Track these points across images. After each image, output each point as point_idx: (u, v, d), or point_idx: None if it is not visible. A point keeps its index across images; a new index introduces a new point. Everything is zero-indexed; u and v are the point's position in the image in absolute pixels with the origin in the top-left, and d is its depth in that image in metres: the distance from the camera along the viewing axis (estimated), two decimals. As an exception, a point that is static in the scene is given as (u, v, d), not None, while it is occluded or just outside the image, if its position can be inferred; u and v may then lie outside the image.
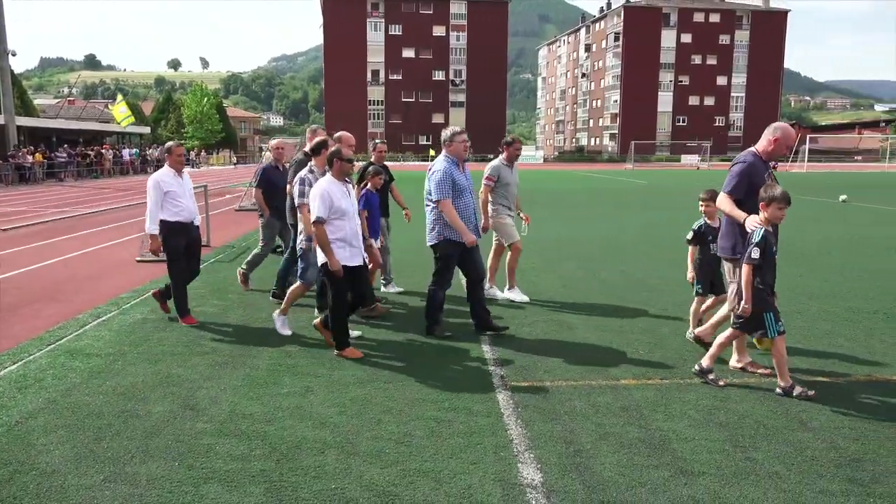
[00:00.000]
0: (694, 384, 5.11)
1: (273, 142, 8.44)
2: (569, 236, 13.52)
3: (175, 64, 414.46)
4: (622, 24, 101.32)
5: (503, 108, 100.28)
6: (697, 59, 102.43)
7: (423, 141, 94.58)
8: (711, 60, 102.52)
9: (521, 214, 8.05)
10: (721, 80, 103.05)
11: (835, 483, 3.62)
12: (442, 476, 3.67)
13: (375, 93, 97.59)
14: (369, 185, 7.53)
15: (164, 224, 6.65)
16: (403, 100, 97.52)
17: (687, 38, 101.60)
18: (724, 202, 5.35)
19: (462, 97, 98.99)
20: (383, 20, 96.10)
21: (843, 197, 23.46)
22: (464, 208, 6.28)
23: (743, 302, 4.90)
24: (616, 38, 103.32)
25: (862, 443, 4.12)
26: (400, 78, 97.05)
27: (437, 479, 3.63)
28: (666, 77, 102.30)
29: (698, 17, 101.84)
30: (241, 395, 4.85)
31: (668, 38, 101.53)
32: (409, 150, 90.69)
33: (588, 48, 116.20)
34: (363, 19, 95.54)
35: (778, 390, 4.91)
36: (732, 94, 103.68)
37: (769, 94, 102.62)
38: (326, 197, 5.56)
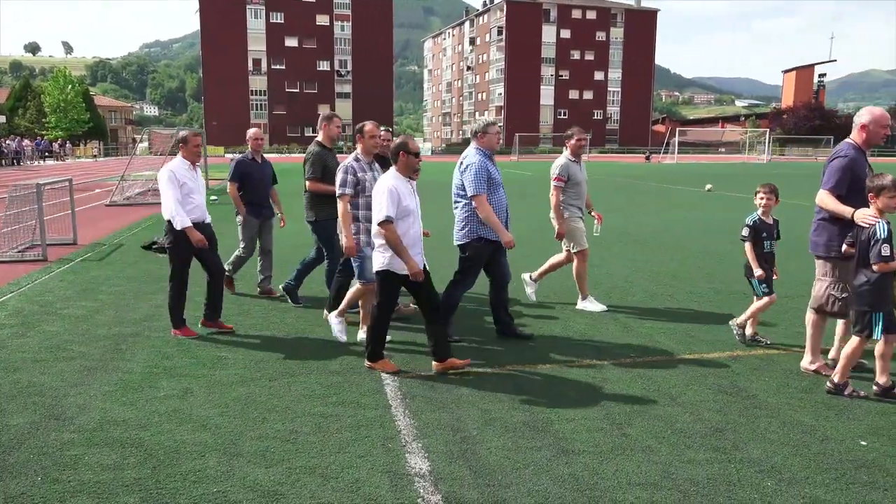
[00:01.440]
0: (575, 368, 5.32)
1: (251, 131, 7.65)
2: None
3: (34, 48, 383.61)
4: (504, 18, 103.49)
5: (390, 99, 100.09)
6: (576, 55, 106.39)
7: (308, 133, 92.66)
8: (589, 56, 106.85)
9: (593, 213, 7.44)
10: (598, 75, 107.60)
11: (700, 452, 3.88)
12: (329, 471, 3.62)
13: (258, 82, 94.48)
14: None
15: (173, 223, 5.88)
16: (287, 90, 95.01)
17: (566, 33, 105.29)
18: (827, 200, 4.94)
19: (348, 88, 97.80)
20: (264, 7, 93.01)
21: (708, 186, 25.16)
22: (497, 204, 5.79)
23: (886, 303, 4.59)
24: (499, 33, 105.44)
25: (724, 414, 4.44)
26: (283, 68, 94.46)
27: (324, 476, 3.58)
28: (547, 71, 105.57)
29: (576, 14, 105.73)
30: (112, 402, 4.56)
31: (548, 34, 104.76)
32: (294, 142, 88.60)
33: (473, 41, 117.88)
34: (242, 5, 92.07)
35: (829, 385, 4.79)
36: (609, 89, 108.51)
37: (642, 89, 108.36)
38: (395, 193, 4.95)
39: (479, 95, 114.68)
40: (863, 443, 4.02)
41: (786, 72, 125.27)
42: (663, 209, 18.07)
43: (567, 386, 4.92)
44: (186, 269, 6.06)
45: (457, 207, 5.94)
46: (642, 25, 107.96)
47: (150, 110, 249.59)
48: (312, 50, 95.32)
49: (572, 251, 7.11)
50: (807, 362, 5.27)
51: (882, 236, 4.49)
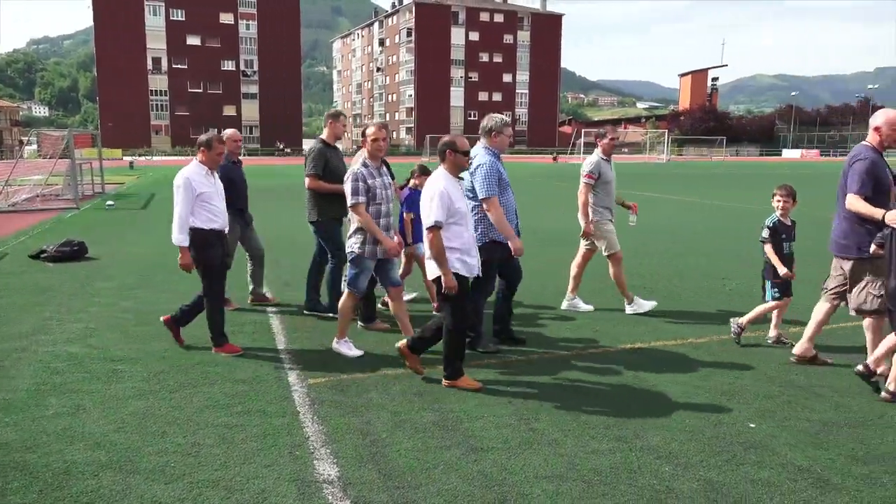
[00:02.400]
0: (484, 365, 5.38)
1: (229, 132, 7.07)
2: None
3: None
4: (414, 20, 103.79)
5: (298, 100, 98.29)
6: (485, 57, 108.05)
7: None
8: (497, 58, 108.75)
9: (627, 203, 7.28)
10: (507, 77, 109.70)
11: (604, 443, 4.00)
12: (233, 483, 3.50)
13: (158, 82, 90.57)
14: (413, 183, 6.84)
15: (197, 233, 5.49)
16: (190, 90, 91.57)
17: (475, 36, 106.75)
18: (857, 204, 4.93)
19: (255, 89, 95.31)
20: (163, 4, 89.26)
21: None
22: (506, 206, 5.57)
23: None
24: (408, 34, 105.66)
25: (627, 404, 4.60)
26: (185, 67, 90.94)
27: (228, 488, 3.46)
28: (457, 73, 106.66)
29: (484, 17, 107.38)
30: (-6, 423, 4.25)
31: (457, 36, 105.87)
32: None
33: (382, 43, 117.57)
34: (139, 1, 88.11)
35: (885, 395, 4.74)
36: (517, 91, 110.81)
37: (549, 91, 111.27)
38: (445, 197, 4.68)
39: (390, 97, 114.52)
40: (752, 425, 4.26)
41: (682, 75, 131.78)
42: (573, 208, 18.58)
43: (476, 384, 4.96)
44: (222, 281, 5.74)
45: None
46: (548, 29, 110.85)
47: (40, 111, 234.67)
48: (216, 49, 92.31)
49: (604, 254, 6.99)
50: (873, 365, 4.98)
51: None
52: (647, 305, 7.07)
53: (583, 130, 65.10)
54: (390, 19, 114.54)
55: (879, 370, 4.86)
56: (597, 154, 7.02)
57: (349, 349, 5.62)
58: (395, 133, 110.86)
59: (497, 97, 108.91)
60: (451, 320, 4.81)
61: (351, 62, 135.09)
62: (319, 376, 5.12)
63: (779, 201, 5.80)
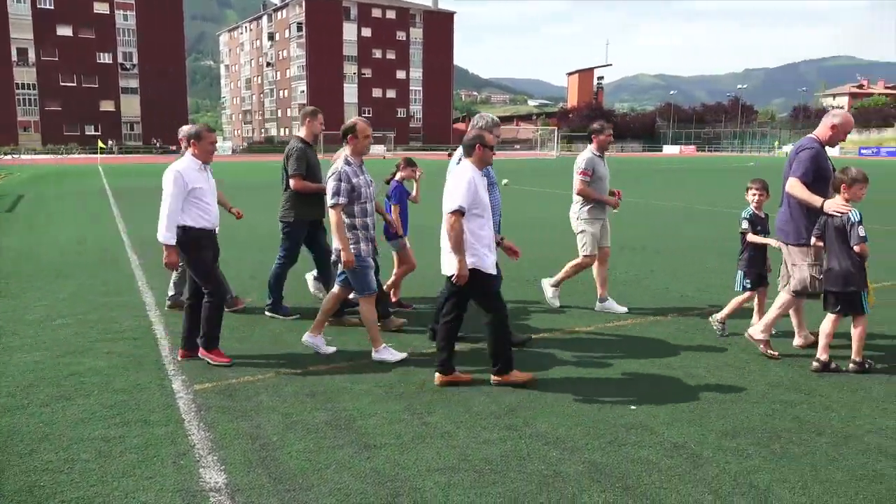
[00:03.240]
0: (377, 362, 5.36)
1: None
2: (267, 226, 13.24)
3: None
4: (304, 14, 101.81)
5: (184, 95, 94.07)
6: (378, 53, 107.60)
7: (89, 131, 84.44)
8: (391, 55, 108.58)
9: (612, 190, 7.02)
10: (400, 74, 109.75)
11: (495, 432, 4.09)
12: (111, 499, 3.31)
13: (24, 75, 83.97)
14: (399, 176, 6.83)
15: (187, 232, 5.17)
16: (62, 84, 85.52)
17: (367, 32, 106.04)
18: (797, 188, 5.30)
19: (135, 83, 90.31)
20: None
21: (505, 181, 26.64)
22: (492, 203, 5.43)
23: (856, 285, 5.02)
24: (299, 29, 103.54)
25: (516, 394, 4.72)
26: (56, 59, 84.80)
27: (105, 504, 3.27)
28: (350, 69, 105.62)
29: (376, 13, 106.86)
30: None
31: (349, 31, 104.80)
32: (73, 141, 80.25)
33: (272, 37, 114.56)
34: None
35: (816, 364, 5.17)
36: (411, 88, 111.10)
37: (443, 89, 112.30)
38: (473, 185, 4.72)
39: (281, 93, 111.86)
40: (632, 407, 4.48)
41: (570, 74, 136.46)
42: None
43: (370, 382, 4.94)
44: (219, 280, 5.48)
45: None
46: (440, 26, 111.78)
47: None
48: (90, 40, 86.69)
49: (580, 253, 6.93)
50: (798, 342, 5.78)
51: (856, 220, 4.96)
52: (621, 309, 6.97)
53: (476, 127, 66.14)
54: (280, 13, 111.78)
55: (824, 357, 5.22)
56: (590, 150, 6.92)
57: (391, 355, 5.40)
58: (287, 130, 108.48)
59: (391, 94, 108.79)
60: (492, 315, 4.81)
61: (239, 56, 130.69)
62: (206, 381, 4.93)
63: (754, 195, 6.03)
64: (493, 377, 4.85)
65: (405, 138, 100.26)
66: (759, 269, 6.01)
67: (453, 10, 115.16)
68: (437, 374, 4.87)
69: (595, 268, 7.02)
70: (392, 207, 6.83)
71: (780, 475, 3.57)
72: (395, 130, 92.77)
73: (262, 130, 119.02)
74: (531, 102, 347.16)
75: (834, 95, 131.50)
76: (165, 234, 5.12)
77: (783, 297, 5.58)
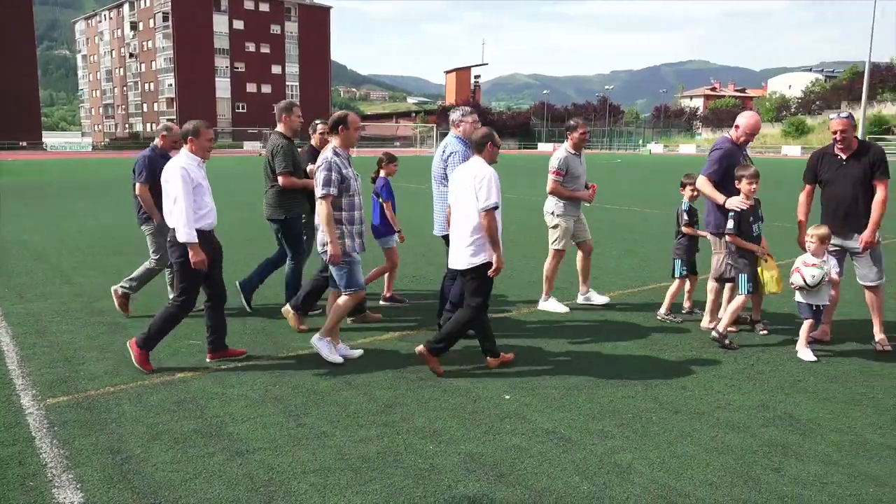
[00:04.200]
0: (251, 365, 5.20)
1: (177, 129, 6.28)
2: (120, 225, 12.46)
3: None
4: (170, 3, 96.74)
5: (34, 87, 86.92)
6: (252, 47, 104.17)
7: (-75, 125, 76.14)
8: (265, 49, 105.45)
9: (588, 183, 6.98)
10: (276, 69, 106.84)
11: (372, 430, 4.07)
12: (-53, 530, 3.01)
13: None
14: (384, 172, 6.90)
15: (177, 234, 4.98)
16: None
17: (239, 24, 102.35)
18: (704, 185, 6.01)
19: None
20: None
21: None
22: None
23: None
24: (165, 18, 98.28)
25: (394, 390, 4.73)
26: None
27: (-61, 536, 2.96)
28: (222, 63, 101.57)
29: (249, 5, 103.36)
30: None
31: (220, 23, 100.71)
32: None
33: (134, 26, 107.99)
34: None
35: (714, 334, 5.79)
36: (287, 83, 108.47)
37: (320, 84, 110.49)
38: (497, 181, 4.96)
39: (147, 86, 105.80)
40: (507, 397, 4.61)
41: (447, 72, 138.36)
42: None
43: (244, 386, 4.78)
44: (196, 292, 5.19)
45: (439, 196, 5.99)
46: (316, 21, 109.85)
47: None
48: (-78, 24, 78.13)
49: (550, 246, 6.93)
50: (706, 322, 6.30)
51: (731, 215, 5.71)
52: (562, 309, 6.92)
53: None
54: (143, 1, 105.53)
55: (720, 326, 5.86)
56: (564, 148, 6.92)
57: (330, 352, 5.29)
58: (154, 125, 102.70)
59: (266, 89, 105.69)
60: (480, 300, 5.08)
61: (98, 46, 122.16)
62: (60, 395, 4.58)
63: (689, 189, 6.47)
64: (425, 352, 5.10)
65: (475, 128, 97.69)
66: (693, 258, 6.55)
67: (329, 5, 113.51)
68: (488, 360, 5.23)
69: (579, 261, 7.14)
70: (384, 204, 6.86)
71: (641, 453, 3.80)
72: (272, 127, 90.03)
73: (127, 125, 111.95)
74: (410, 100, 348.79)
75: (691, 97, 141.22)
76: (189, 233, 4.93)
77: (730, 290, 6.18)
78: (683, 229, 6.50)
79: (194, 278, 5.08)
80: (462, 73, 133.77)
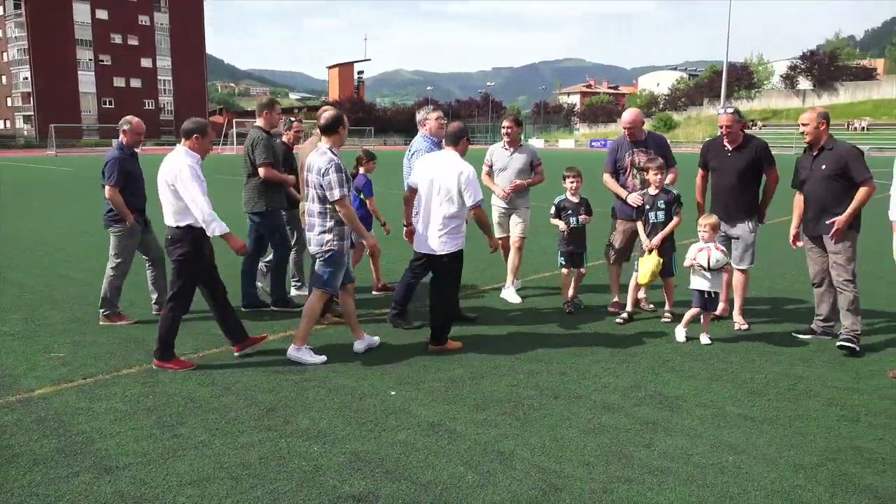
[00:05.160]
0: (122, 376, 4.90)
1: (134, 121, 6.23)
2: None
3: None
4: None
5: None
6: (118, 39, 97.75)
7: None
8: (133, 41, 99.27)
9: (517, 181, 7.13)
10: (146, 62, 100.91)
11: (253, 435, 3.94)
12: None
13: None
14: (363, 169, 6.97)
15: (188, 231, 5.00)
16: None
17: (103, 14, 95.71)
18: (609, 182, 6.57)
19: None
20: None
21: None
22: None
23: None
24: (17, 6, 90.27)
25: (276, 393, 4.60)
26: None
27: None
28: (85, 55, 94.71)
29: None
30: None
31: (81, 13, 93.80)
32: None
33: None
34: None
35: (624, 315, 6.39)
36: (160, 77, 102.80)
37: (195, 79, 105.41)
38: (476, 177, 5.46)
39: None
40: (392, 393, 4.60)
41: (330, 68, 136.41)
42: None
43: (113, 398, 4.48)
44: (193, 289, 5.16)
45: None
46: (189, 12, 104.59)
47: None
48: None
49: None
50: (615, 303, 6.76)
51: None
52: (515, 299, 7.15)
53: (234, 120, 63.32)
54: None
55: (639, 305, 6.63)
56: (499, 143, 7.28)
57: (310, 356, 5.21)
58: (8, 122, 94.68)
59: (136, 83, 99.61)
60: (455, 289, 5.70)
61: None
62: None
63: (571, 182, 6.61)
64: (431, 346, 5.52)
65: (156, 132, 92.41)
66: (572, 248, 6.62)
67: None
68: (430, 346, 5.53)
69: (510, 257, 7.23)
70: (368, 201, 6.84)
71: (523, 439, 3.90)
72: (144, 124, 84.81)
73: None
74: (293, 96, 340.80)
75: (568, 94, 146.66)
76: (218, 225, 4.94)
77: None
78: (552, 221, 6.71)
79: (192, 278, 5.10)
80: (345, 68, 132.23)
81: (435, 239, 5.42)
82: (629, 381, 4.85)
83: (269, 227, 6.51)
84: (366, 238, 5.49)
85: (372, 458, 3.68)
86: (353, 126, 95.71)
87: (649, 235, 6.21)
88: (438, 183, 5.38)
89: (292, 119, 7.00)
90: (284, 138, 6.87)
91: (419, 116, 6.50)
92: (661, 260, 6.11)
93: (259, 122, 6.50)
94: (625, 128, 6.52)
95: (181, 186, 4.89)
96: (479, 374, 4.97)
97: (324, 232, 5.14)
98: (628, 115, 6.59)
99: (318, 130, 5.35)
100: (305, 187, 5.33)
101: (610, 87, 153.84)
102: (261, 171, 6.29)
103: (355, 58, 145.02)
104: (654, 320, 6.42)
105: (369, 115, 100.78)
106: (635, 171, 6.43)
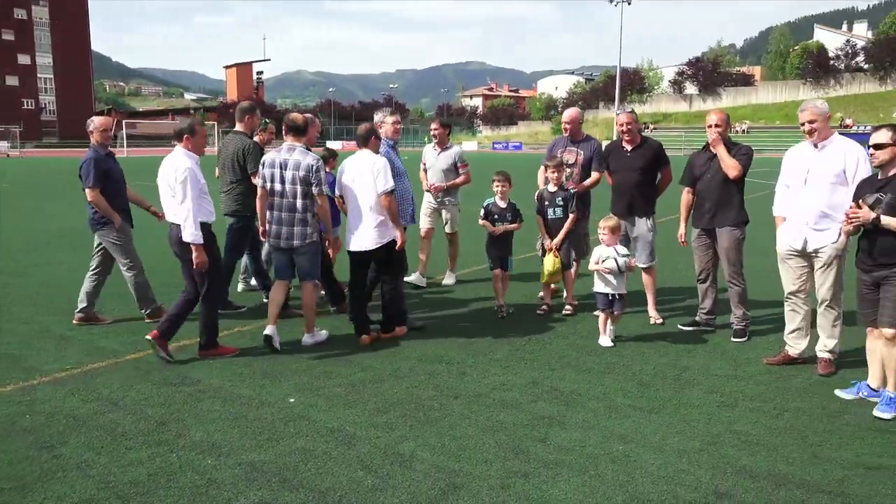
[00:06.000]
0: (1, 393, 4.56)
1: (99, 120, 6.22)
2: None
3: None
4: None
5: None
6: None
7: None
8: (8, 36, 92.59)
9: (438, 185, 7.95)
10: (24, 59, 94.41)
11: (143, 451, 3.77)
12: None
13: None
14: (328, 168, 6.75)
15: (205, 228, 5.16)
16: None
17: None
18: (540, 174, 6.99)
19: None
20: None
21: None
22: (402, 192, 6.51)
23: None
24: None
25: (168, 406, 4.41)
26: None
27: None
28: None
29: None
30: None
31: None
32: None
33: None
34: None
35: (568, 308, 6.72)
36: (40, 75, 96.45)
37: (80, 77, 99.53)
38: (388, 168, 5.71)
39: None
40: (291, 400, 4.52)
41: (227, 67, 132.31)
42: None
43: (-16, 420, 4.17)
44: (221, 278, 5.62)
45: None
46: (71, 7, 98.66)
47: None
48: None
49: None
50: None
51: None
52: (421, 281, 7.93)
53: (124, 121, 60.31)
54: None
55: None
56: (431, 144, 7.94)
57: (323, 336, 5.81)
58: None
59: (13, 81, 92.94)
60: (400, 277, 6.16)
61: None
62: None
63: (497, 186, 6.53)
64: (382, 334, 5.86)
65: (36, 133, 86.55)
66: (497, 253, 6.58)
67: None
68: (362, 337, 5.77)
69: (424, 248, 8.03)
70: (336, 199, 6.56)
71: (423, 440, 3.93)
72: (22, 124, 78.99)
73: None
74: (188, 96, 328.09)
75: (471, 96, 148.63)
76: (195, 232, 5.05)
77: None
78: (480, 222, 6.67)
79: (216, 271, 5.35)
80: (243, 68, 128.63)
81: (369, 235, 5.67)
82: (527, 378, 4.97)
83: (243, 231, 6.59)
84: (330, 232, 5.85)
85: (269, 467, 3.59)
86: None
87: (549, 232, 6.45)
88: (359, 181, 5.67)
89: (267, 120, 7.29)
90: (257, 139, 6.97)
91: (376, 119, 6.73)
92: (558, 259, 6.35)
93: (239, 126, 6.67)
94: (564, 125, 6.99)
95: (178, 187, 5.09)
96: (380, 378, 4.96)
97: (306, 226, 5.52)
98: (567, 114, 7.05)
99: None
100: (269, 183, 5.52)
101: (511, 90, 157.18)
102: (255, 179, 6.18)
103: (254, 58, 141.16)
104: (555, 317, 6.61)
105: (269, 117, 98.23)
106: (564, 167, 6.75)
